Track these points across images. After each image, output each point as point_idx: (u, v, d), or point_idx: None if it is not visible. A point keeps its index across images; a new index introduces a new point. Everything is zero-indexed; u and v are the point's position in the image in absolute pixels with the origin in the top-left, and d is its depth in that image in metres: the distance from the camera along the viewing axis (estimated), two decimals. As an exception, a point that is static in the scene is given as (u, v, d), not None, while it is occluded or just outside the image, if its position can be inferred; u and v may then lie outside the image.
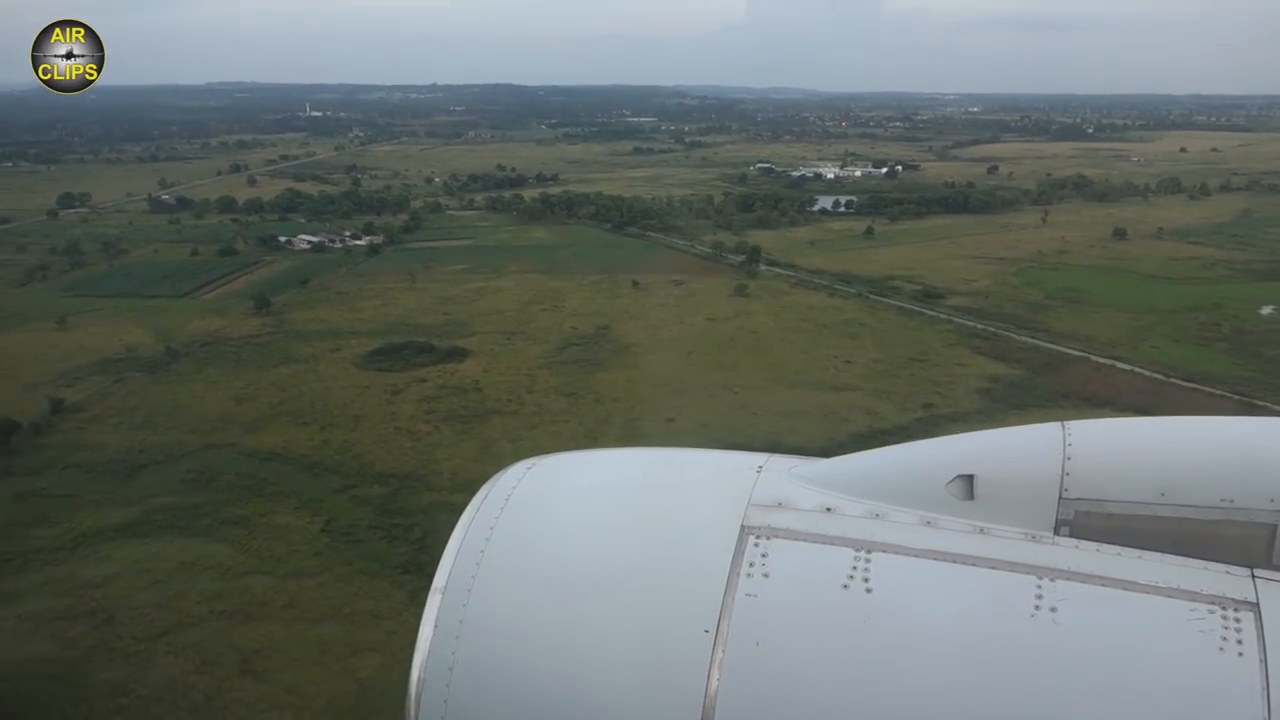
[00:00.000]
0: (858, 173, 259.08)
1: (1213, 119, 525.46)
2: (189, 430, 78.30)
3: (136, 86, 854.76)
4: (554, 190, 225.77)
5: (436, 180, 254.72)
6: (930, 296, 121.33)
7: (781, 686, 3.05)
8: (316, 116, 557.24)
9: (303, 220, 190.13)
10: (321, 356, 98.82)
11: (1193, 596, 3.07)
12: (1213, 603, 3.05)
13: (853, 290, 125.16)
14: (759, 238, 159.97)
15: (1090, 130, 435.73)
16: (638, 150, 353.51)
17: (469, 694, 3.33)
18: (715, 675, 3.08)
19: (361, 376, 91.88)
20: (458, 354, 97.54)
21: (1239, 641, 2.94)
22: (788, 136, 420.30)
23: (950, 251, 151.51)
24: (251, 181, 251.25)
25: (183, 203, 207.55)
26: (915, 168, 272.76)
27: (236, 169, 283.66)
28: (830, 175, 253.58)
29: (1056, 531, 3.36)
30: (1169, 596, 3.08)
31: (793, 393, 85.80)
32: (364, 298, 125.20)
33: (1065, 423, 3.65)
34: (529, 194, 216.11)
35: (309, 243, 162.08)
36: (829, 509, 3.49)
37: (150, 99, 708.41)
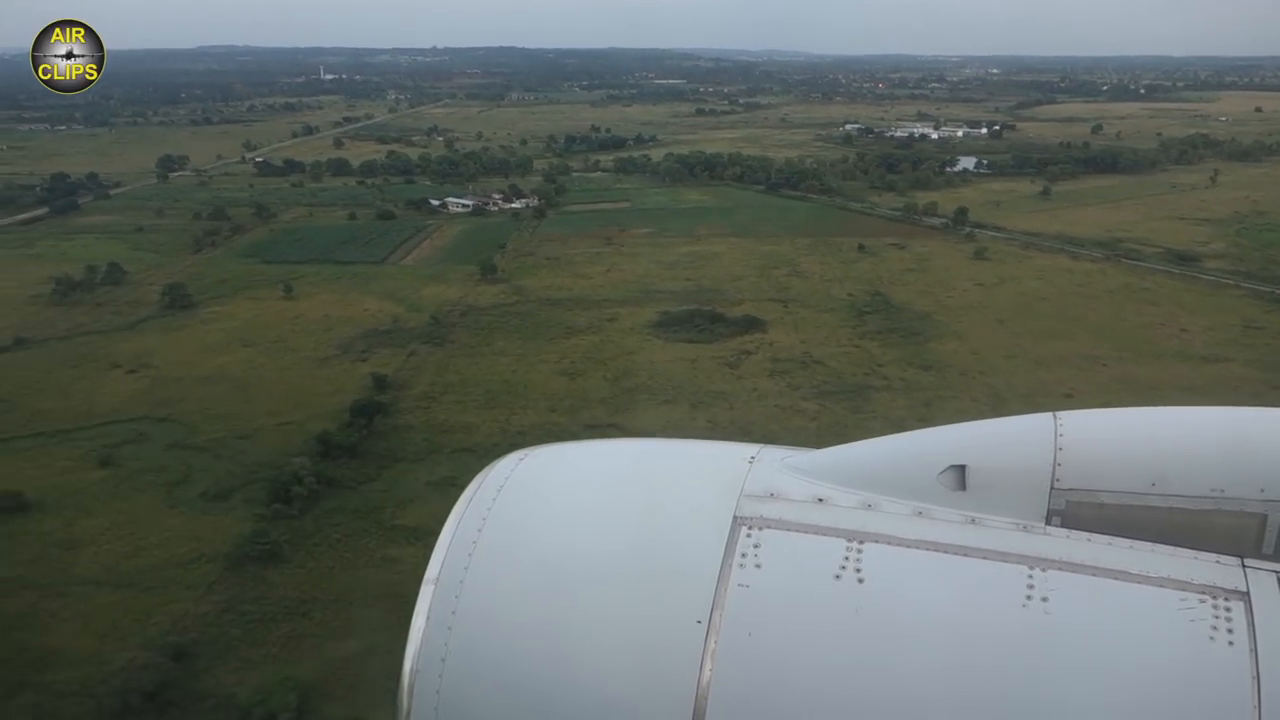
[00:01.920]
0: (959, 133, 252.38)
1: (1245, 79, 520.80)
2: (548, 409, 71.27)
3: (129, 51, 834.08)
4: (660, 151, 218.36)
5: (528, 141, 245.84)
6: (1182, 259, 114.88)
7: (774, 676, 3.06)
8: (333, 79, 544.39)
9: (428, 182, 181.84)
10: (602, 326, 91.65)
11: (1183, 586, 3.07)
12: (1203, 592, 3.05)
13: (1096, 254, 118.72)
14: (924, 198, 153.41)
15: (1141, 91, 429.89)
16: (700, 111, 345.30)
17: (462, 684, 3.31)
18: (708, 665, 3.08)
19: (670, 348, 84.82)
20: (754, 323, 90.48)
21: (1229, 631, 2.93)
22: (839, 98, 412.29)
23: (1146, 213, 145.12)
24: (338, 144, 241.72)
25: (291, 165, 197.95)
26: (1012, 128, 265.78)
27: (309, 130, 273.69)
28: (934, 135, 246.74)
29: (1048, 522, 3.34)
30: (1160, 586, 3.08)
31: (1162, 364, 79.70)
32: (576, 262, 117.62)
33: (1057, 413, 3.60)
34: (652, 155, 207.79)
35: (464, 206, 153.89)
36: (821, 499, 3.49)
37: (149, 63, 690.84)
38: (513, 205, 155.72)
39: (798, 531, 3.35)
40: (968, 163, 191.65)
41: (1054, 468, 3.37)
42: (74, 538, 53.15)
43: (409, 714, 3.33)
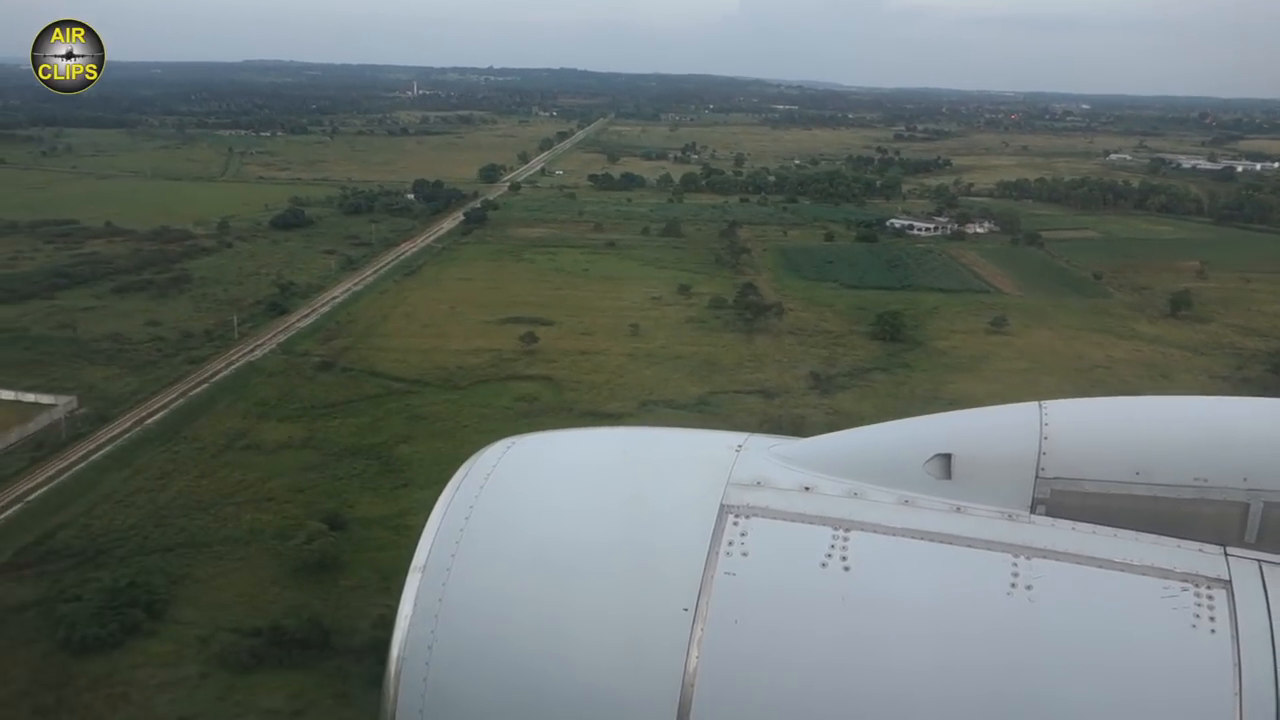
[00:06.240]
0: (1258, 166, 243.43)
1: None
2: None
3: (183, 63, 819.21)
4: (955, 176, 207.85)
5: (796, 162, 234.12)
6: None
7: (760, 664, 3.08)
8: (425, 95, 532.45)
9: (807, 202, 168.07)
10: None
11: (1166, 574, 3.07)
12: (1186, 580, 3.04)
13: None
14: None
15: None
16: (899, 137, 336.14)
17: (448, 672, 3.33)
18: (694, 653, 3.09)
19: None
20: None
21: (1212, 619, 2.93)
22: (1010, 129, 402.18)
23: None
24: (612, 159, 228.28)
25: (629, 179, 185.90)
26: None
27: (548, 144, 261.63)
28: (1219, 167, 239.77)
29: (1033, 510, 3.33)
30: (1143, 574, 3.08)
31: None
32: (1236, 301, 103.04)
33: (1042, 402, 3.58)
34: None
35: (927, 229, 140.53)
36: (808, 488, 3.48)
37: (207, 74, 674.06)
38: (976, 230, 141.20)
39: (784, 520, 3.32)
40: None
41: (1039, 456, 3.34)
42: None
43: (396, 701, 3.32)
